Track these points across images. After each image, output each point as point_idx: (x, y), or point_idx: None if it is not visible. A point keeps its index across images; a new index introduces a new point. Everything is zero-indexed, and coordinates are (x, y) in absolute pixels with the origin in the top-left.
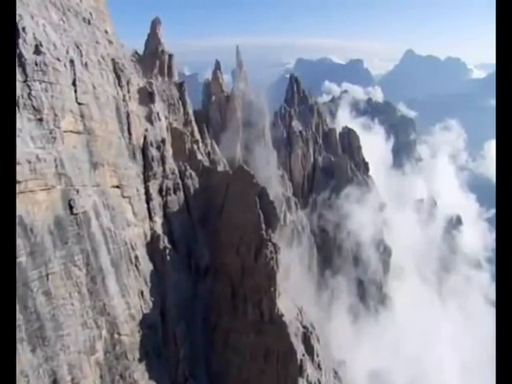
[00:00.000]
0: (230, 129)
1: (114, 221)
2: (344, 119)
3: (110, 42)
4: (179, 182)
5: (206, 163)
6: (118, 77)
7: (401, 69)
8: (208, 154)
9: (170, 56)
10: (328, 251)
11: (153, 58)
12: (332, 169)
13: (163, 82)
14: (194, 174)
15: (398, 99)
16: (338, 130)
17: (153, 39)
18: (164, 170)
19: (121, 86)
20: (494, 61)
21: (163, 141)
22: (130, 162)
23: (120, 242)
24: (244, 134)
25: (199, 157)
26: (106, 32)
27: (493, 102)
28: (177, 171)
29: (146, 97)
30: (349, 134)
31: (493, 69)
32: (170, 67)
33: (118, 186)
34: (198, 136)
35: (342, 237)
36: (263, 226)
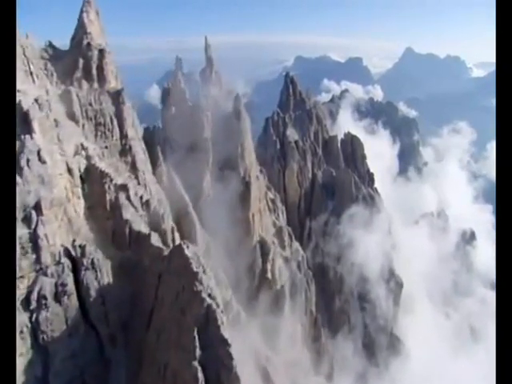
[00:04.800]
0: (196, 152)
1: None
2: (346, 122)
3: None
4: (68, 279)
5: (139, 223)
6: None
7: (400, 67)
8: (146, 204)
9: (102, 52)
10: (328, 289)
11: (76, 54)
12: (333, 185)
13: (90, 91)
14: (99, 258)
15: (397, 98)
16: (340, 136)
17: (80, 28)
18: (38, 260)
19: None
20: (493, 59)
21: (38, 205)
22: None
23: None
24: (215, 158)
25: (126, 215)
26: None
27: (494, 102)
28: (67, 256)
29: (20, 123)
30: (352, 142)
31: (492, 68)
32: (101, 68)
33: None
34: (143, 167)
35: (344, 272)
36: None
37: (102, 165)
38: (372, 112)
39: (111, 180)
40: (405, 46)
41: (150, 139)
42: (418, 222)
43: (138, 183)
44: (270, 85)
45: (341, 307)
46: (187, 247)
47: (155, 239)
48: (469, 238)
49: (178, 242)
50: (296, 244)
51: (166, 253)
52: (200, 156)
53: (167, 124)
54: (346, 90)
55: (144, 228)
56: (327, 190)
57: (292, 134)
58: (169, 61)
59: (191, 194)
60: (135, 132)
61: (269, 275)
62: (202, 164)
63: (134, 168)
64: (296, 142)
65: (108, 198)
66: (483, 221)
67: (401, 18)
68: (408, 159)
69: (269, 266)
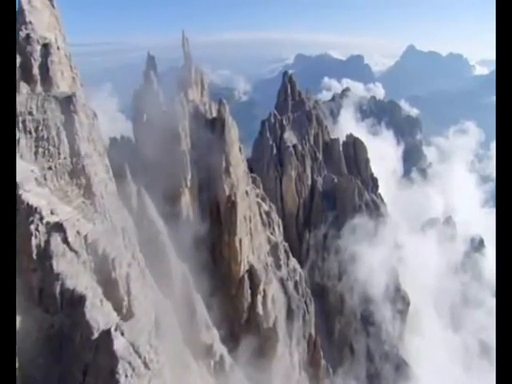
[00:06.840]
0: (171, 168)
1: None
2: (347, 122)
3: None
4: None
5: (77, 276)
6: None
7: (402, 65)
8: (92, 246)
9: (47, 47)
10: (328, 310)
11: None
12: (334, 193)
13: (31, 96)
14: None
15: (399, 96)
16: (342, 138)
17: (19, 17)
18: None
19: None
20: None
21: None
22: None
23: None
24: (195, 175)
25: (59, 265)
26: None
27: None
28: None
29: None
30: (354, 145)
31: (495, 66)
32: (46, 68)
33: None
34: (101, 190)
35: (344, 292)
36: None
37: (35, 192)
38: (375, 111)
39: (41, 218)
40: (406, 44)
41: (117, 153)
42: (424, 229)
43: (95, 210)
44: (270, 83)
45: (342, 330)
46: (121, 334)
47: (95, 301)
48: (478, 244)
49: (134, 292)
50: (293, 261)
51: (96, 334)
52: (176, 173)
53: (138, 134)
54: (348, 89)
55: (83, 283)
56: (328, 198)
57: (290, 137)
58: (169, 58)
59: (166, 219)
60: (93, 147)
61: (259, 310)
62: (179, 182)
63: (89, 192)
64: (294, 146)
65: (35, 242)
66: (493, 226)
67: (402, 16)
68: (412, 160)
69: (259, 299)
